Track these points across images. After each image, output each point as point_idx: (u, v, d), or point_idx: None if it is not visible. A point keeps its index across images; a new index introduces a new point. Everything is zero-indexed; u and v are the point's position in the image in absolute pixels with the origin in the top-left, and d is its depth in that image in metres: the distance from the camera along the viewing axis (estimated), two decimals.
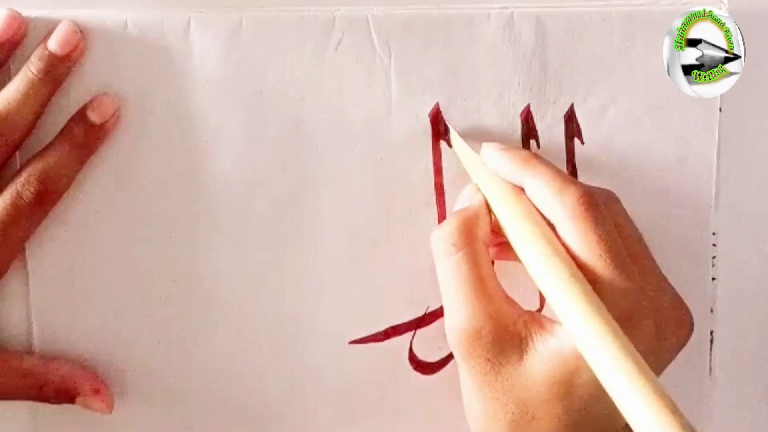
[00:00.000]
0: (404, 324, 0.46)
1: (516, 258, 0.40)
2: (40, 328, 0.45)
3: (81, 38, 0.43)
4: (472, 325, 0.40)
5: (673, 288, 0.41)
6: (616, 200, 0.42)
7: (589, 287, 0.37)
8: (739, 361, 0.48)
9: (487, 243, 0.42)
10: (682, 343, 0.41)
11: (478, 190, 0.43)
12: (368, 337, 0.46)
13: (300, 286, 0.46)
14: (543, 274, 0.38)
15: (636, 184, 0.46)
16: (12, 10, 0.43)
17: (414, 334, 0.46)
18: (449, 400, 0.46)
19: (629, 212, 0.45)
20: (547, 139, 0.46)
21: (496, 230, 0.42)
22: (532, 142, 0.45)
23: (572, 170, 0.46)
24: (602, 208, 0.39)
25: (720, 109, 0.46)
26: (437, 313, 0.46)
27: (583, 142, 0.46)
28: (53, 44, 0.42)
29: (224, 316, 0.46)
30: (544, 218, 0.40)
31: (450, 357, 0.46)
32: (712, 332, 0.47)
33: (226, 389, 0.46)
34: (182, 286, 0.45)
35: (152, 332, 0.46)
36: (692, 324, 0.41)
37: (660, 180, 0.46)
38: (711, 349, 0.47)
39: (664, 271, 0.44)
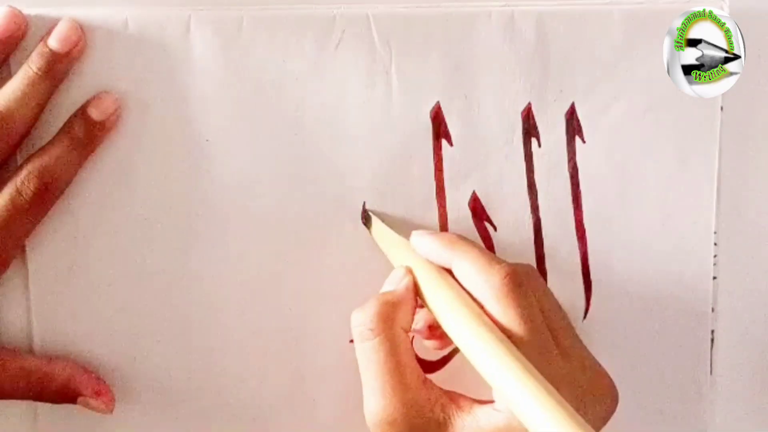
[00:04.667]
0: None
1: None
2: (40, 328, 0.45)
3: (81, 36, 0.43)
4: (387, 413, 0.40)
5: (594, 361, 0.42)
6: (537, 276, 0.43)
7: (524, 359, 0.37)
8: (739, 361, 0.48)
9: (408, 328, 0.42)
10: (606, 415, 0.41)
11: (408, 273, 0.43)
12: None
13: (301, 285, 0.46)
14: (475, 350, 0.38)
15: (637, 184, 0.46)
16: (12, 7, 0.43)
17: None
18: None
19: (630, 213, 0.45)
20: (548, 138, 0.46)
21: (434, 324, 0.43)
22: (533, 140, 0.45)
23: (573, 169, 0.46)
24: (526, 287, 0.40)
25: (721, 109, 0.46)
26: None
27: (584, 141, 0.46)
28: (54, 42, 0.42)
29: (224, 315, 0.46)
30: (472, 297, 0.40)
31: (450, 356, 0.46)
32: (712, 332, 0.47)
33: (226, 389, 0.46)
34: (182, 286, 0.45)
35: (152, 332, 0.46)
36: (616, 395, 0.42)
37: (661, 179, 0.46)
38: (711, 349, 0.47)
39: (664, 271, 0.44)
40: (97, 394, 0.45)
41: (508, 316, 0.39)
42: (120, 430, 0.46)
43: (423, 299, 0.42)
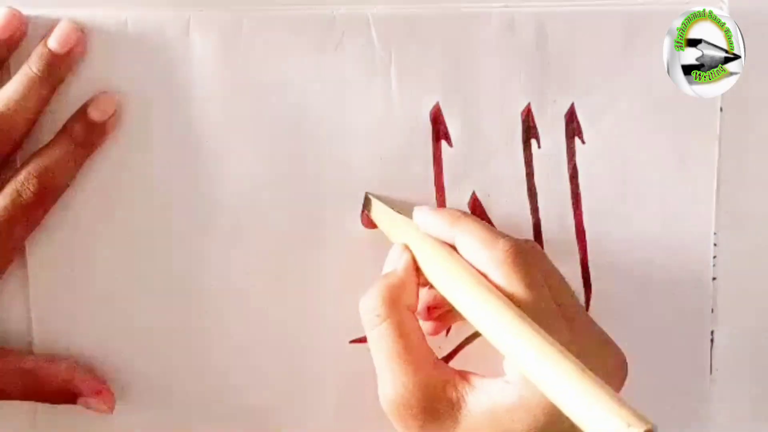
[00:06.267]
0: None
1: (455, 320, 0.42)
2: (40, 328, 0.45)
3: (81, 37, 0.43)
4: (400, 395, 0.40)
5: (606, 337, 0.41)
6: (542, 253, 0.42)
7: (534, 323, 0.37)
8: (739, 361, 0.48)
9: (414, 308, 0.42)
10: (617, 384, 0.41)
11: (405, 249, 0.42)
12: None
13: (300, 285, 0.46)
14: (484, 318, 0.38)
15: (636, 184, 0.46)
16: (12, 8, 0.43)
17: None
18: None
19: (630, 213, 0.45)
20: (548, 139, 0.45)
21: (438, 302, 0.43)
22: (533, 141, 0.45)
23: (573, 170, 0.46)
24: (530, 260, 0.40)
25: (721, 109, 0.46)
26: None
27: (584, 142, 0.46)
28: (53, 43, 0.42)
29: (224, 315, 0.46)
30: (477, 270, 0.40)
31: (450, 356, 0.46)
32: (712, 332, 0.47)
33: (226, 389, 0.46)
34: (182, 286, 0.45)
35: (152, 332, 0.46)
36: (625, 364, 0.41)
37: (661, 180, 0.46)
38: (711, 349, 0.47)
39: (664, 272, 0.44)
40: (97, 394, 0.45)
41: (511, 284, 0.39)
42: (120, 430, 0.46)
43: (426, 276, 0.42)
